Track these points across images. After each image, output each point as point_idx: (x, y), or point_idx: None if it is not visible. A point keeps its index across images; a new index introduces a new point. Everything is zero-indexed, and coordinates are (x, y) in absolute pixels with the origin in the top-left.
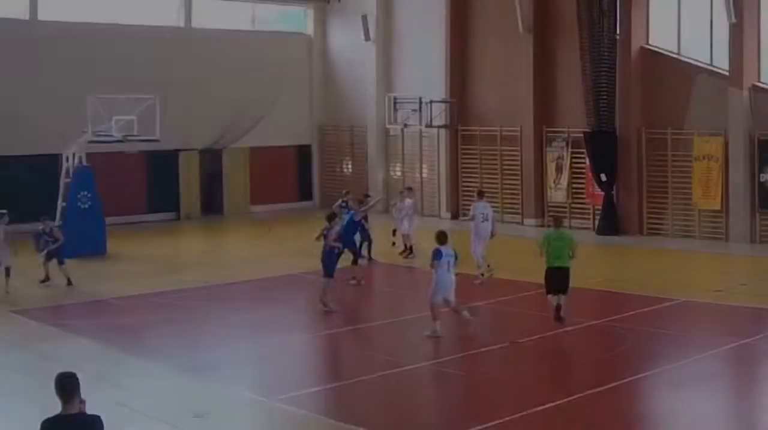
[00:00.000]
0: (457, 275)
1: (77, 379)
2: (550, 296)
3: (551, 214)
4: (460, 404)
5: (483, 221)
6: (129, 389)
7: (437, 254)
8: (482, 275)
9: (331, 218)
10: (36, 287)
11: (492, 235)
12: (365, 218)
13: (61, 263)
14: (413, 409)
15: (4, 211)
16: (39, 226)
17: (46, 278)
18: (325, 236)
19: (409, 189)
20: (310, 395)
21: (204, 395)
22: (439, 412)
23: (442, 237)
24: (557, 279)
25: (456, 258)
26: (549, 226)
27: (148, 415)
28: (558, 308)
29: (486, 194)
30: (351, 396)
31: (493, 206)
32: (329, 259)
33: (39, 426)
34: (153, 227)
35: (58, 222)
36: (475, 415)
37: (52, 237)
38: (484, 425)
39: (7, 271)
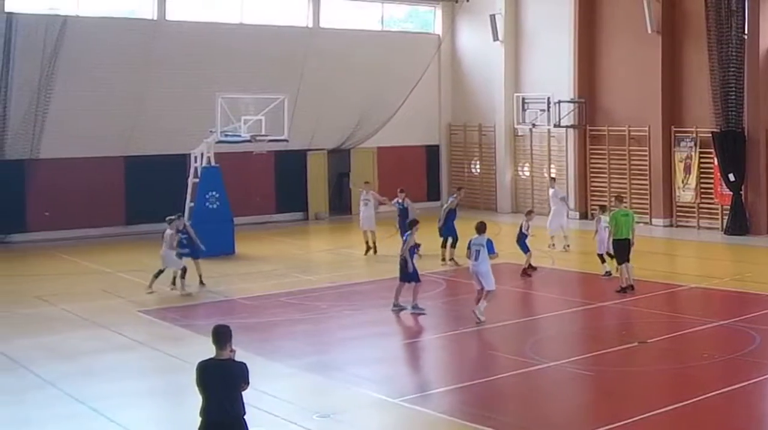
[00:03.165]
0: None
1: (230, 330)
2: (621, 266)
3: (614, 194)
4: (588, 404)
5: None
6: (255, 388)
7: (468, 243)
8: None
9: (411, 224)
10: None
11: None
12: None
13: (196, 257)
14: (540, 409)
15: (174, 216)
16: (175, 224)
17: (181, 277)
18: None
19: (553, 179)
20: (435, 396)
21: (330, 395)
22: (566, 412)
23: (479, 227)
24: (625, 249)
25: (489, 249)
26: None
27: (274, 414)
28: (626, 278)
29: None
30: (477, 396)
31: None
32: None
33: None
34: (281, 227)
35: (186, 222)
36: (603, 415)
37: (187, 234)
38: (612, 425)
39: (183, 272)
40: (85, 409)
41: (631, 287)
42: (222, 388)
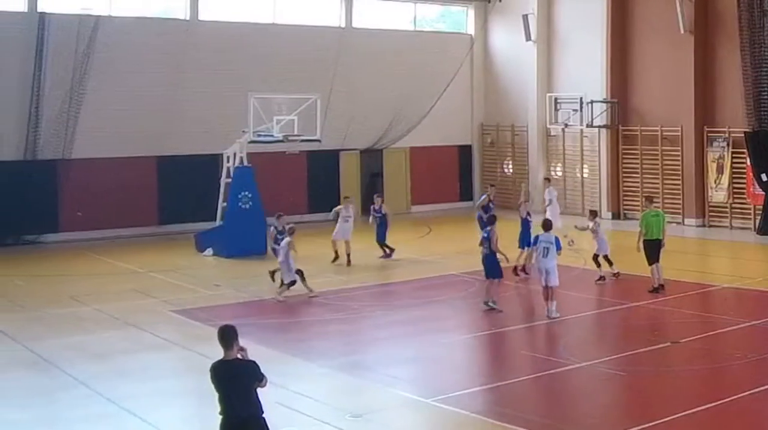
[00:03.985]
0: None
1: (235, 330)
2: (652, 266)
3: (646, 194)
4: (621, 404)
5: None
6: (288, 388)
7: (535, 240)
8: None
9: (491, 220)
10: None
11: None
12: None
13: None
14: (572, 409)
15: (292, 224)
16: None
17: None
18: (488, 240)
19: (547, 180)
20: (468, 395)
21: (363, 395)
22: (599, 412)
23: (546, 224)
24: (655, 249)
25: (557, 246)
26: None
27: (307, 414)
28: (658, 278)
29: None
30: (510, 396)
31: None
32: (489, 262)
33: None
34: (313, 227)
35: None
36: (636, 415)
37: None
38: (645, 425)
39: (300, 275)
40: (117, 409)
41: (662, 286)
42: (232, 388)
